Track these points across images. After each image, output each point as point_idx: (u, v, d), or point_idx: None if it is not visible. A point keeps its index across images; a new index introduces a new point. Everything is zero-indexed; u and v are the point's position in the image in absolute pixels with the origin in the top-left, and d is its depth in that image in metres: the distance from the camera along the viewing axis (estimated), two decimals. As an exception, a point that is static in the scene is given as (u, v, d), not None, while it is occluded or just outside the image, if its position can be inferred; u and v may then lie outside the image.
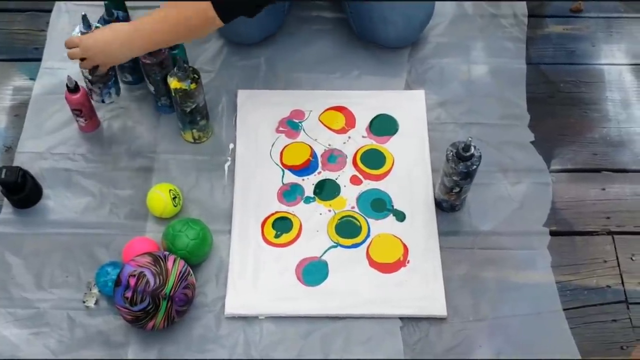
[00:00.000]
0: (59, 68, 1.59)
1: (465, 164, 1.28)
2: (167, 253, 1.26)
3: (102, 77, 1.41)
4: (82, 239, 1.38)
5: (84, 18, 1.37)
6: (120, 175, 1.45)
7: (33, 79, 1.58)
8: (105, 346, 1.27)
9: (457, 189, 1.33)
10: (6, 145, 1.50)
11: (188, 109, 1.39)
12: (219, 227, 1.38)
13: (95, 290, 1.31)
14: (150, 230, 1.38)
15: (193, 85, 1.35)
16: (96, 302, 1.31)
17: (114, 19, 1.42)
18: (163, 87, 1.43)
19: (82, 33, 1.38)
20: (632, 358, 1.00)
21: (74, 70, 1.56)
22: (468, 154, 1.27)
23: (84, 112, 1.44)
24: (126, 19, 1.46)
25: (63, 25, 1.66)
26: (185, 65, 1.33)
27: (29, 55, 1.63)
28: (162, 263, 1.22)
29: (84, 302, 1.31)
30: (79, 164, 1.46)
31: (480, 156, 1.29)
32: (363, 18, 1.57)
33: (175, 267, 1.23)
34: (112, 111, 1.53)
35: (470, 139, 1.26)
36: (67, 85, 1.40)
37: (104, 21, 1.43)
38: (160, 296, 1.20)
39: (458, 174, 1.29)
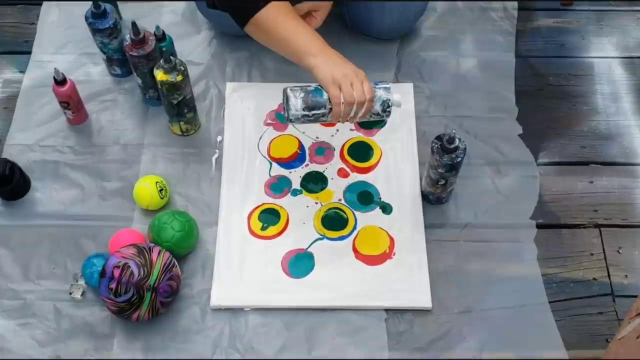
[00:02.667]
0: (48, 61, 1.59)
1: (450, 156, 1.28)
2: (152, 245, 1.26)
3: None
4: (70, 230, 1.38)
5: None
6: (108, 168, 1.45)
7: (23, 71, 1.59)
8: (91, 337, 1.27)
9: (443, 182, 1.33)
10: (-5, 138, 1.51)
11: (175, 102, 1.39)
12: (206, 219, 1.39)
13: (81, 282, 1.32)
14: (137, 222, 1.39)
15: (179, 78, 1.35)
16: (82, 294, 1.31)
17: (102, 12, 1.42)
18: (150, 80, 1.43)
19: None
20: (605, 358, 1.00)
21: (62, 63, 1.58)
22: (452, 146, 1.27)
23: (72, 104, 1.45)
24: (112, 11, 1.45)
25: (53, 18, 1.67)
26: (171, 57, 1.33)
27: (18, 48, 1.63)
28: (146, 254, 1.22)
29: (70, 293, 1.31)
30: (67, 156, 1.47)
31: (465, 148, 1.29)
32: (359, 6, 1.57)
33: (159, 258, 1.23)
34: (101, 104, 1.54)
35: (454, 131, 1.26)
36: (54, 77, 1.40)
37: (92, 14, 1.43)
38: (144, 287, 1.20)
39: (443, 166, 1.29)
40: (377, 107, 1.25)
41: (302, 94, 1.23)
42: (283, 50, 1.30)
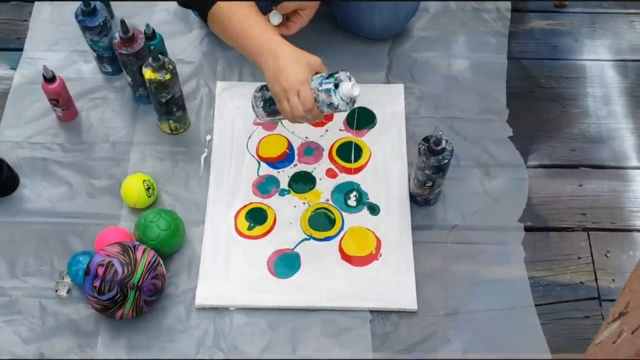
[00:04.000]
0: (40, 58, 1.59)
1: (437, 158, 1.28)
2: (137, 243, 1.26)
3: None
4: (57, 228, 1.38)
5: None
6: (96, 165, 1.46)
7: (14, 68, 1.59)
8: (75, 335, 1.28)
9: (430, 183, 1.33)
10: (-15, 135, 1.51)
11: (163, 100, 1.39)
12: (194, 218, 1.39)
13: (67, 279, 1.32)
14: (124, 220, 1.39)
15: (168, 76, 1.35)
16: (68, 291, 1.31)
17: (91, 9, 1.42)
18: (140, 78, 1.43)
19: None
20: (586, 358, 1.00)
21: (53, 61, 1.58)
22: (439, 147, 1.27)
23: (61, 102, 1.45)
24: (102, 9, 1.45)
25: (45, 15, 1.66)
26: (160, 56, 1.33)
27: (10, 45, 1.64)
28: (131, 253, 1.22)
29: (56, 290, 1.31)
30: (56, 154, 1.47)
31: (452, 150, 1.29)
32: (350, 6, 1.57)
33: (144, 257, 1.23)
34: (91, 101, 1.54)
35: (440, 132, 1.26)
36: (43, 75, 1.40)
37: (82, 11, 1.43)
38: (128, 286, 1.20)
39: (430, 167, 1.29)
40: (325, 110, 1.20)
41: (262, 103, 1.26)
42: (237, 48, 1.29)
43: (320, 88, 1.17)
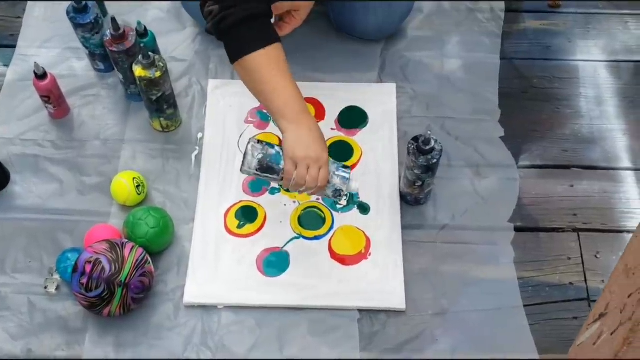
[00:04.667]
0: (33, 55, 1.60)
1: (426, 158, 1.28)
2: (125, 241, 1.27)
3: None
4: (47, 224, 1.38)
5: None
6: (87, 163, 1.46)
7: (7, 65, 1.59)
8: (63, 331, 1.28)
9: (420, 183, 1.33)
10: (-23, 131, 1.51)
11: (154, 97, 1.39)
12: (184, 216, 1.39)
13: (56, 276, 1.32)
14: (114, 218, 1.39)
15: (158, 74, 1.35)
16: (57, 288, 1.31)
17: (82, 7, 1.42)
18: (131, 76, 1.43)
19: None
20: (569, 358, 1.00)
21: (46, 58, 1.58)
22: (428, 147, 1.27)
23: (52, 99, 1.45)
24: (94, 6, 1.45)
25: (39, 12, 1.67)
26: (150, 53, 1.33)
27: (4, 42, 1.64)
28: (118, 250, 1.22)
29: (45, 287, 1.31)
30: (47, 151, 1.47)
31: (441, 150, 1.29)
32: (344, 7, 1.57)
33: (132, 254, 1.23)
34: (83, 99, 1.54)
35: (429, 132, 1.26)
36: (34, 72, 1.41)
37: (73, 9, 1.44)
38: (115, 283, 1.20)
39: (419, 167, 1.29)
40: (328, 192, 1.23)
41: (261, 156, 1.21)
42: (262, 101, 1.24)
43: (337, 172, 1.22)
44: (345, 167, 1.25)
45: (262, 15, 1.20)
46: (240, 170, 1.23)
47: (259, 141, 1.23)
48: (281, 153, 1.21)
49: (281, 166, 1.21)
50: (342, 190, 1.22)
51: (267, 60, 1.20)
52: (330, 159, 1.23)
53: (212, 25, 1.19)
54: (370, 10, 1.54)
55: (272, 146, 1.22)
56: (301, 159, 1.18)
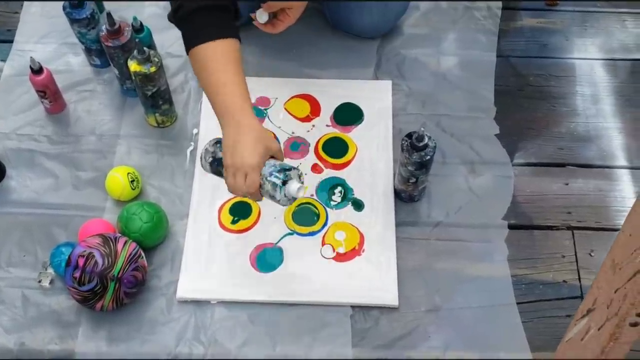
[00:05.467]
0: (30, 50, 1.60)
1: (419, 154, 1.28)
2: (118, 235, 1.27)
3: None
4: (42, 219, 1.39)
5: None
6: (82, 157, 1.46)
7: (4, 60, 1.60)
8: (57, 325, 1.28)
9: (414, 180, 1.33)
10: (-26, 125, 1.52)
11: (149, 93, 1.39)
12: (178, 211, 1.39)
13: (50, 270, 1.32)
14: (109, 213, 1.39)
15: (153, 69, 1.35)
16: (51, 282, 1.32)
17: (79, 2, 1.43)
18: (127, 71, 1.44)
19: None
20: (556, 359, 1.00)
21: (43, 53, 1.59)
22: (422, 144, 1.27)
23: (48, 93, 1.45)
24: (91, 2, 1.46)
25: (36, 7, 1.67)
26: (145, 49, 1.34)
27: (1, 37, 1.65)
28: (111, 244, 1.23)
29: (39, 281, 1.32)
30: (43, 145, 1.48)
31: (435, 147, 1.29)
32: (339, 6, 1.57)
33: (125, 249, 1.23)
34: (79, 94, 1.54)
35: (422, 129, 1.26)
36: (30, 66, 1.41)
37: (69, 4, 1.44)
38: (108, 277, 1.21)
39: (412, 164, 1.29)
40: (266, 197, 1.17)
41: (211, 160, 1.21)
42: (207, 95, 1.21)
43: (269, 178, 1.14)
44: (285, 169, 1.15)
45: (222, 8, 1.19)
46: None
47: (214, 143, 1.21)
48: None
49: None
50: (276, 197, 1.14)
51: (218, 53, 1.17)
52: (272, 161, 1.16)
53: (171, 11, 1.19)
54: (365, 9, 1.55)
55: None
56: (229, 166, 1.14)
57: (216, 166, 1.20)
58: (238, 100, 1.16)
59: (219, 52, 1.17)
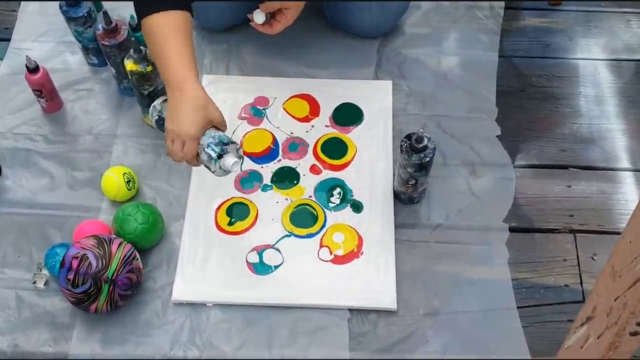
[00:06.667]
0: (27, 49, 1.59)
1: (419, 156, 1.26)
2: (113, 236, 1.25)
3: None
4: (37, 219, 1.37)
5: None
6: (79, 157, 1.45)
7: (1, 58, 1.59)
8: (51, 327, 1.27)
9: (413, 181, 1.31)
10: (-31, 125, 1.50)
11: (145, 92, 1.38)
12: (174, 212, 1.38)
13: (45, 271, 1.31)
14: (104, 213, 1.38)
15: (149, 68, 1.33)
16: (46, 283, 1.30)
17: (74, 1, 1.41)
18: (123, 70, 1.42)
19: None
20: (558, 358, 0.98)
21: (40, 51, 1.58)
22: (421, 145, 1.25)
23: (45, 92, 1.44)
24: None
25: (34, 6, 1.66)
26: (141, 47, 1.32)
27: (-2, 35, 1.64)
28: (106, 246, 1.21)
29: (33, 282, 1.30)
30: (39, 145, 1.46)
31: (434, 148, 1.27)
32: (339, 4, 1.55)
33: (119, 250, 1.22)
34: (76, 93, 1.53)
35: (421, 130, 1.24)
36: (26, 65, 1.39)
37: (66, 2, 1.43)
38: (102, 279, 1.19)
39: (412, 165, 1.27)
40: (202, 165, 1.20)
41: (157, 117, 1.24)
42: (157, 66, 1.23)
43: (206, 149, 1.17)
44: (223, 143, 1.17)
45: None
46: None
47: (164, 101, 1.23)
48: None
49: None
50: (211, 168, 1.18)
51: (166, 24, 1.20)
52: (212, 132, 1.18)
53: None
54: (365, 8, 1.53)
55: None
56: (169, 132, 1.18)
57: (160, 125, 1.24)
58: (182, 70, 1.19)
59: (167, 23, 1.20)
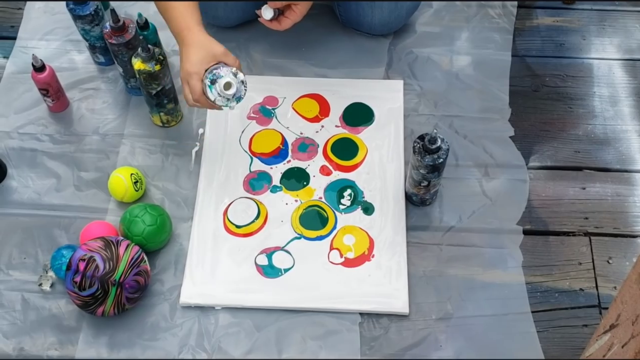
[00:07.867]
0: (33, 47, 1.57)
1: (432, 157, 1.23)
2: (120, 238, 1.23)
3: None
4: (43, 220, 1.35)
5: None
6: (85, 157, 1.43)
7: (7, 57, 1.56)
8: (57, 330, 1.25)
9: (426, 183, 1.29)
10: (-25, 124, 1.48)
11: (153, 92, 1.35)
12: (182, 214, 1.35)
13: (51, 274, 1.29)
14: (111, 214, 1.36)
15: (157, 67, 1.31)
16: (52, 286, 1.28)
17: (80, -4, 1.40)
18: (131, 69, 1.40)
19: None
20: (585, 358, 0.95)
21: (46, 50, 1.56)
22: (434, 146, 1.22)
23: (51, 91, 1.42)
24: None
25: (40, 4, 1.64)
26: (149, 46, 1.30)
27: (4, 34, 1.61)
28: (113, 248, 1.19)
29: (39, 285, 1.28)
30: (45, 145, 1.44)
31: (448, 149, 1.24)
32: (349, 2, 1.53)
33: (127, 253, 1.20)
34: (83, 92, 1.51)
35: (435, 131, 1.22)
36: (32, 64, 1.37)
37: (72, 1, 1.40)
38: (109, 282, 1.17)
39: (425, 167, 1.25)
40: (211, 102, 1.22)
41: (208, 82, 1.24)
42: (164, 19, 1.30)
43: (204, 81, 1.20)
44: (218, 70, 1.20)
45: None
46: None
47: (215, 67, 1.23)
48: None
49: None
50: (211, 98, 1.20)
51: None
52: (220, 65, 1.21)
53: None
54: (376, 6, 1.50)
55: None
56: (181, 79, 1.24)
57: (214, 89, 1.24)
58: (186, 20, 1.25)
59: None
